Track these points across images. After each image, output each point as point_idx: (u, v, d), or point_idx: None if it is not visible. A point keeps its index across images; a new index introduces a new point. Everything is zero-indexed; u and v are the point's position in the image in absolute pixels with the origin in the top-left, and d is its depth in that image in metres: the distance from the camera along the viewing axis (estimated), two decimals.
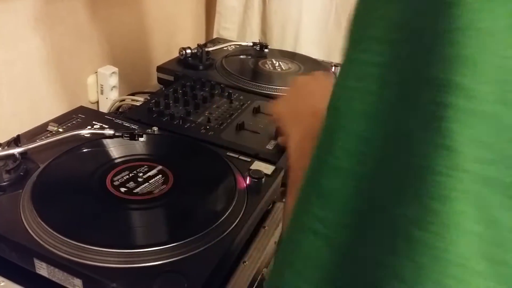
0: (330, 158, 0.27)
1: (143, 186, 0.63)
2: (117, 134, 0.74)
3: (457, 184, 0.22)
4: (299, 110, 0.65)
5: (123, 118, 0.83)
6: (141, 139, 0.74)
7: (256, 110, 0.91)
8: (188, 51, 1.11)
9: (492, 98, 0.22)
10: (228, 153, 0.74)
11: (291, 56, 1.25)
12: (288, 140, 0.60)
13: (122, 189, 0.62)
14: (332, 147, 0.27)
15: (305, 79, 0.74)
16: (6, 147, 0.66)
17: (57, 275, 0.51)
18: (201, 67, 1.10)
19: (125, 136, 0.74)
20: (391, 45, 0.25)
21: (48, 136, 0.72)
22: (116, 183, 0.63)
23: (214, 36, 1.45)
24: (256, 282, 0.62)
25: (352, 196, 0.26)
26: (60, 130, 0.76)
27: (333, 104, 0.28)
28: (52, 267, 0.51)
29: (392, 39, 0.25)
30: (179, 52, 1.11)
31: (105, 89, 1.06)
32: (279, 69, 1.15)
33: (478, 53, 0.22)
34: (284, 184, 0.78)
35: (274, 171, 0.71)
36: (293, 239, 0.29)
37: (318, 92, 0.65)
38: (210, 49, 1.17)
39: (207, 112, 0.89)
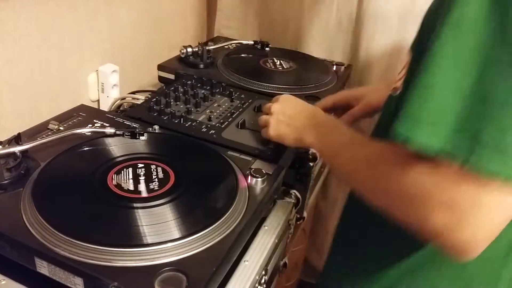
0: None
1: (144, 184, 0.63)
2: (118, 132, 0.74)
3: None
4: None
5: (124, 117, 0.83)
6: (142, 137, 0.74)
7: (257, 109, 0.91)
8: (189, 49, 1.11)
9: None
10: (229, 152, 0.74)
11: (292, 55, 1.25)
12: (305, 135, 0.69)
13: (123, 188, 0.62)
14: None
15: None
16: (7, 146, 0.66)
17: (58, 274, 0.51)
18: (202, 66, 1.10)
19: (126, 135, 0.74)
20: None
21: (49, 135, 0.72)
22: (117, 181, 0.63)
23: (215, 34, 1.44)
24: (257, 282, 0.62)
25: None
26: (61, 128, 0.76)
27: None
28: (53, 266, 0.51)
29: None
30: (180, 51, 1.11)
31: (106, 87, 1.06)
32: (280, 68, 1.15)
33: None
34: (285, 183, 0.78)
35: (275, 170, 0.71)
36: (421, 95, 0.42)
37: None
38: (211, 47, 1.17)
39: (208, 110, 0.89)
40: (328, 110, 0.90)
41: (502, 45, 0.40)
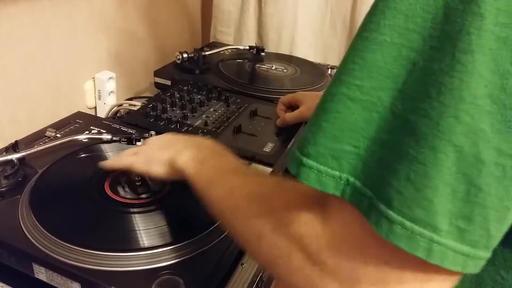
0: (376, 34, 0.30)
1: (140, 190, 0.64)
2: (114, 138, 0.75)
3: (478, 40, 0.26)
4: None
5: (121, 123, 0.83)
6: (138, 143, 0.74)
7: (253, 113, 0.91)
8: (185, 55, 1.11)
9: None
10: None
11: (288, 59, 1.26)
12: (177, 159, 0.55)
13: (120, 193, 0.63)
14: (379, 25, 0.30)
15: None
16: (4, 153, 0.67)
17: (55, 279, 0.51)
18: (198, 71, 1.10)
19: (123, 141, 0.74)
20: None
21: (46, 142, 0.73)
22: (114, 187, 0.63)
23: (211, 40, 1.45)
24: (254, 285, 0.63)
25: (391, 64, 0.30)
26: (58, 135, 0.76)
27: None
28: (50, 272, 0.51)
29: None
30: (176, 57, 1.12)
31: (102, 94, 1.06)
32: (275, 72, 1.16)
33: None
34: None
35: (271, 174, 0.71)
36: (326, 109, 0.32)
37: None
38: (207, 53, 1.18)
39: (204, 115, 0.90)
40: (285, 106, 0.91)
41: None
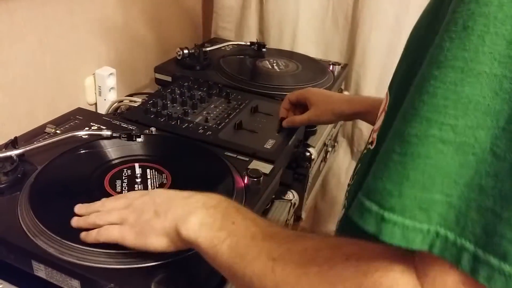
0: (473, 64, 0.26)
1: (141, 186, 0.63)
2: (114, 135, 0.74)
3: None
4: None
5: (121, 119, 0.83)
6: (138, 139, 0.74)
7: (254, 110, 0.91)
8: (186, 51, 1.11)
9: None
10: (226, 153, 0.74)
11: (289, 55, 1.25)
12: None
13: (120, 190, 0.62)
14: (477, 53, 0.26)
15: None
16: (3, 149, 0.66)
17: (55, 277, 0.51)
18: (198, 67, 1.10)
19: (123, 137, 0.74)
20: None
21: (46, 138, 0.72)
22: (114, 184, 0.63)
23: (212, 36, 1.45)
24: None
25: (491, 99, 0.26)
26: (58, 131, 0.76)
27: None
28: (50, 269, 0.51)
29: None
30: (177, 53, 1.11)
31: (103, 90, 1.06)
32: (277, 68, 1.15)
33: None
34: (282, 183, 0.78)
35: (272, 170, 0.71)
36: (413, 155, 0.28)
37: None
38: (208, 49, 1.17)
39: (205, 112, 0.89)
40: (291, 104, 0.88)
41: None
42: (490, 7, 0.26)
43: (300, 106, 0.87)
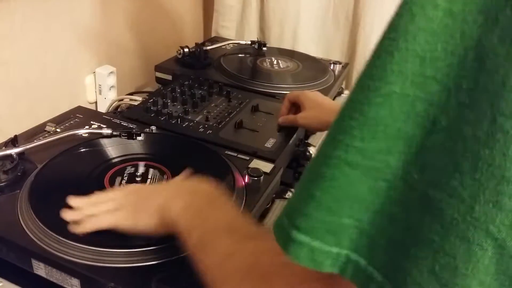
0: (381, 83, 0.23)
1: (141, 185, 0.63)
2: (114, 133, 0.74)
3: None
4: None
5: (121, 118, 0.83)
6: (139, 138, 0.74)
7: (255, 109, 0.91)
8: (186, 50, 1.11)
9: None
10: (226, 152, 0.74)
11: (290, 54, 1.25)
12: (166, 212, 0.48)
13: None
14: (385, 71, 0.23)
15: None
16: (3, 148, 0.66)
17: (55, 275, 0.51)
18: (199, 66, 1.10)
19: (123, 135, 0.74)
20: None
21: (46, 136, 0.72)
22: (114, 182, 0.63)
23: (212, 34, 1.44)
24: None
25: (403, 122, 0.23)
26: (58, 130, 0.76)
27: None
28: (49, 267, 0.51)
29: None
30: (177, 51, 1.11)
31: (103, 89, 1.06)
32: (277, 67, 1.15)
33: None
34: (283, 182, 0.78)
35: (272, 169, 0.71)
36: (319, 174, 0.26)
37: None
38: (208, 48, 1.17)
39: (205, 111, 0.89)
40: (290, 103, 0.87)
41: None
42: (400, 18, 0.23)
43: (298, 106, 0.87)
